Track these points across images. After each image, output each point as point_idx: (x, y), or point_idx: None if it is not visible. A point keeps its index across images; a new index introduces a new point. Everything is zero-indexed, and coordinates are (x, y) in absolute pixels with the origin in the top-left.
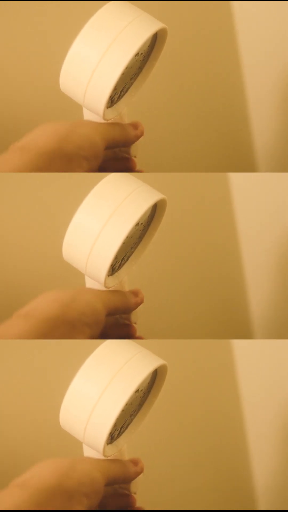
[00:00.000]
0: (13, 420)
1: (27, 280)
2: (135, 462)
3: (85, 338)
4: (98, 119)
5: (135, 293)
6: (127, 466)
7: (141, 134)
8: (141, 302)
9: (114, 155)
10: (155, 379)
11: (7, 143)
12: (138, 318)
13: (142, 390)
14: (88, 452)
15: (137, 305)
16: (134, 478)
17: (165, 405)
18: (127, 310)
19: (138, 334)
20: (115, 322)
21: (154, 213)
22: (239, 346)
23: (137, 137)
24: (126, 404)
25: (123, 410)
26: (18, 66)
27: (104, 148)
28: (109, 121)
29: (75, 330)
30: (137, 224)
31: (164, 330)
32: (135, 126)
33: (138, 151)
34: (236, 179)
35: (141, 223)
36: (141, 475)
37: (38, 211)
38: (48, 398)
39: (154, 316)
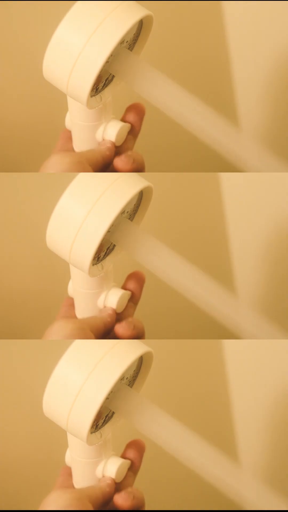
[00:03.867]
0: None
1: (10, 270)
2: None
3: None
4: (82, 110)
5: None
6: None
7: (112, 146)
8: (113, 311)
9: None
10: (140, 367)
11: None
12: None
13: (127, 378)
14: (72, 441)
15: (112, 316)
16: (110, 490)
17: (155, 402)
18: (107, 324)
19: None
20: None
21: (140, 202)
22: (229, 346)
23: (110, 148)
24: (111, 392)
25: (107, 398)
26: (5, 56)
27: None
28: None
29: None
30: (122, 212)
31: (153, 330)
32: (104, 142)
33: (123, 139)
34: (227, 179)
35: (127, 212)
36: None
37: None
38: (32, 387)
39: (141, 316)
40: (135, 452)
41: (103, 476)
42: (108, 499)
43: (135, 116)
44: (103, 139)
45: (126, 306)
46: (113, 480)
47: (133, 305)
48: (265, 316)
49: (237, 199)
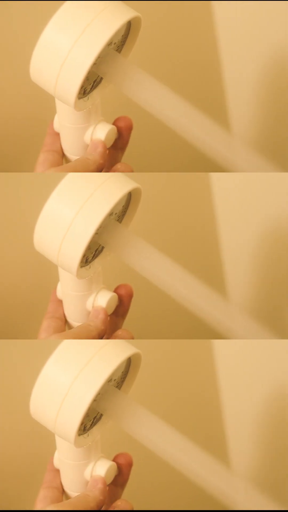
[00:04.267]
0: None
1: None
2: (93, 484)
3: None
4: (70, 113)
5: (94, 312)
6: (89, 495)
7: (104, 149)
8: (105, 316)
9: None
10: (128, 369)
11: None
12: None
13: (115, 379)
14: (60, 444)
15: (104, 321)
16: (104, 497)
17: (145, 405)
18: (100, 332)
19: None
20: None
21: (129, 203)
22: (220, 346)
23: (102, 154)
24: (98, 394)
25: (95, 400)
26: None
27: None
28: (73, 163)
29: None
30: (111, 214)
31: (144, 330)
32: (94, 147)
33: (112, 141)
34: (217, 179)
35: (115, 213)
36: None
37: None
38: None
39: (133, 317)
40: (123, 466)
41: (92, 476)
42: (101, 506)
43: (123, 129)
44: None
45: (116, 321)
46: (105, 484)
47: (122, 319)
48: (256, 317)
49: (228, 199)
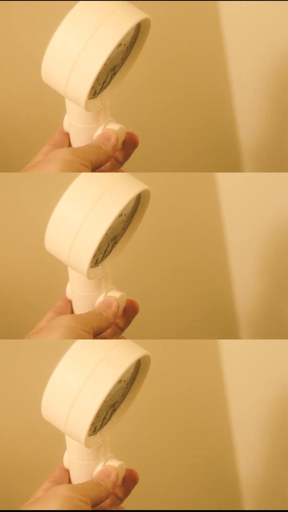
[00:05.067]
0: None
1: (13, 271)
2: (106, 474)
3: None
4: (81, 113)
5: (106, 303)
6: (102, 484)
7: (116, 142)
8: (117, 310)
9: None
10: (138, 370)
11: None
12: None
13: (125, 381)
14: (70, 444)
15: (115, 314)
16: (113, 490)
17: (152, 404)
18: (109, 324)
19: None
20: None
21: (138, 204)
22: (226, 346)
23: (114, 147)
24: (109, 395)
25: (105, 401)
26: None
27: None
28: (84, 147)
29: None
30: (120, 215)
31: (150, 330)
32: (106, 137)
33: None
34: (223, 179)
35: (125, 214)
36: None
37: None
38: (31, 390)
39: (139, 316)
40: (128, 481)
41: (105, 466)
42: (107, 498)
43: (129, 144)
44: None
45: (116, 331)
46: (118, 478)
47: (121, 331)
48: (262, 314)
49: (233, 199)
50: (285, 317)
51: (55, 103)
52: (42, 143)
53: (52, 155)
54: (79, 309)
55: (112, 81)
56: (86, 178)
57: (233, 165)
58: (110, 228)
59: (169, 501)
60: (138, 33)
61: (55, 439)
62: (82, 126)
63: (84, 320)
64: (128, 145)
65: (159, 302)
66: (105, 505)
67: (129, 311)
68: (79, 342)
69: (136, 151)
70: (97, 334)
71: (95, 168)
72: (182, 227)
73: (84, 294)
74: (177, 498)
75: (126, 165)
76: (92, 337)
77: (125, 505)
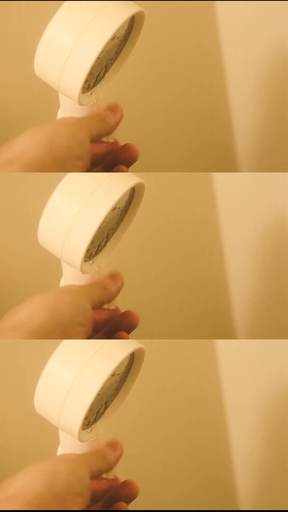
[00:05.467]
0: None
1: (6, 266)
2: (113, 446)
3: (82, 338)
4: (74, 107)
5: (114, 278)
6: (107, 455)
7: (121, 118)
8: (122, 286)
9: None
10: (132, 364)
11: None
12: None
13: (119, 374)
14: (63, 438)
15: (118, 290)
16: (116, 464)
17: (148, 403)
18: (110, 299)
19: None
20: (100, 311)
21: (132, 198)
22: (222, 346)
23: (117, 122)
24: (102, 388)
25: (99, 394)
26: None
27: (90, 142)
28: (89, 114)
29: (69, 332)
30: (114, 209)
31: (146, 330)
32: (113, 110)
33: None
34: (220, 179)
35: (119, 208)
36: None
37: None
38: (24, 386)
39: (136, 307)
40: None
41: (111, 440)
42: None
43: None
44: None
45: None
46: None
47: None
48: (258, 314)
49: (230, 199)
50: (281, 316)
51: (48, 97)
52: None
53: (57, 119)
54: None
55: (106, 75)
56: (79, 173)
57: (229, 164)
58: (103, 222)
59: (163, 498)
60: (132, 27)
61: (48, 434)
62: None
63: (87, 291)
64: (129, 161)
65: (155, 301)
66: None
67: (127, 324)
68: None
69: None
70: (96, 308)
71: (94, 140)
72: (178, 226)
73: None
74: (171, 495)
75: None
76: (90, 309)
77: None
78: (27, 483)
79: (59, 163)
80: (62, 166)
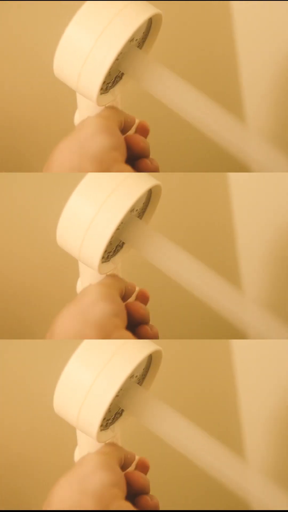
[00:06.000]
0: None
1: (23, 269)
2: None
3: (121, 331)
4: (93, 108)
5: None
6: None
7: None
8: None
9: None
10: (150, 366)
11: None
12: None
13: (137, 376)
14: (81, 438)
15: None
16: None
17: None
18: (132, 291)
19: None
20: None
21: (149, 200)
22: (237, 346)
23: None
24: (121, 390)
25: (117, 396)
26: (13, 54)
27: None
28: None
29: (107, 328)
30: (132, 210)
31: (162, 330)
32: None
33: None
34: (235, 179)
35: (136, 209)
36: None
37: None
38: (43, 385)
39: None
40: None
41: None
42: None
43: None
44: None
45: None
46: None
47: None
48: (272, 314)
49: (245, 199)
50: None
51: (64, 99)
52: (48, 141)
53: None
54: None
55: (124, 76)
56: (97, 174)
57: (242, 165)
58: (121, 223)
59: (177, 497)
60: (149, 28)
61: (63, 440)
62: None
63: (114, 284)
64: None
65: (169, 301)
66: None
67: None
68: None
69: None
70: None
71: (122, 130)
72: (193, 225)
73: None
74: (185, 494)
75: None
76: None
77: None
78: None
79: (97, 162)
80: (101, 164)
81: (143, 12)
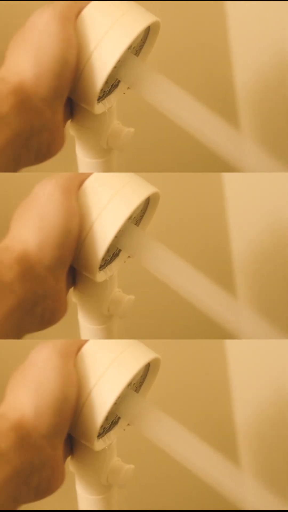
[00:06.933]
0: None
1: None
2: None
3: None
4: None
5: None
6: None
7: None
8: None
9: None
10: (147, 373)
11: None
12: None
13: (134, 383)
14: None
15: None
16: None
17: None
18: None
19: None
20: None
21: (147, 207)
22: (231, 346)
23: None
24: (118, 397)
25: (115, 403)
26: None
27: None
28: None
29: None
30: (129, 218)
31: (156, 330)
32: None
33: (127, 145)
34: (229, 179)
35: (134, 217)
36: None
37: None
38: None
39: (145, 316)
40: None
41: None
42: None
43: None
44: (107, 145)
45: None
46: None
47: None
48: (265, 317)
49: (239, 199)
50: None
51: None
52: None
53: None
54: (84, 312)
55: (120, 84)
56: (96, 180)
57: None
58: (119, 230)
59: (172, 502)
60: (147, 35)
61: None
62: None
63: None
64: None
65: (163, 302)
66: None
67: None
68: (88, 346)
69: (142, 150)
70: None
71: None
72: (186, 226)
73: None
74: (180, 501)
75: (133, 166)
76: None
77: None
78: None
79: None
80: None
81: (142, 20)
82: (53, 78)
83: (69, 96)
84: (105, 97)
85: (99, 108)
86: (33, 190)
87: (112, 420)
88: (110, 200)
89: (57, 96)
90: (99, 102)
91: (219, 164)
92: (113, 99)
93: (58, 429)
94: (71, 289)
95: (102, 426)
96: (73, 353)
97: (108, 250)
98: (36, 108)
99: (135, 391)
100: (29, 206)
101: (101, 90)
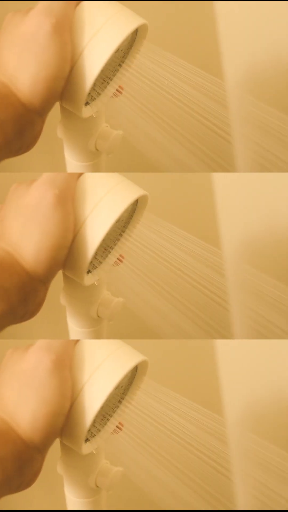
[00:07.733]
0: None
1: None
2: None
3: None
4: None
5: None
6: None
7: None
8: None
9: None
10: (135, 376)
11: None
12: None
13: (122, 386)
14: (65, 450)
15: None
16: None
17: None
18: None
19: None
20: None
21: (135, 209)
22: (222, 346)
23: None
24: (106, 401)
25: (102, 407)
26: None
27: None
28: None
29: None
30: (117, 221)
31: (146, 330)
32: None
33: (116, 148)
34: (219, 179)
35: (122, 220)
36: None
37: None
38: None
39: (136, 316)
40: None
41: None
42: None
43: None
44: (96, 148)
45: None
46: None
47: None
48: (258, 316)
49: (230, 199)
50: (282, 317)
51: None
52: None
53: None
54: (73, 316)
55: (107, 88)
56: (84, 183)
57: (227, 165)
58: (107, 234)
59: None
60: (134, 38)
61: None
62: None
63: None
64: None
65: (154, 302)
66: None
67: None
68: (78, 347)
69: (131, 151)
70: None
71: None
72: (178, 228)
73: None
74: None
75: (123, 166)
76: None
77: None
78: None
79: None
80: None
81: (130, 23)
82: (48, 94)
83: None
84: (92, 100)
85: (86, 111)
86: (31, 192)
87: (99, 424)
88: (98, 203)
89: (49, 107)
90: (86, 105)
91: (210, 164)
92: (100, 102)
93: (52, 440)
94: (60, 292)
95: (89, 430)
96: (68, 359)
97: (95, 255)
98: (32, 121)
99: (123, 393)
100: (29, 213)
101: (88, 94)
